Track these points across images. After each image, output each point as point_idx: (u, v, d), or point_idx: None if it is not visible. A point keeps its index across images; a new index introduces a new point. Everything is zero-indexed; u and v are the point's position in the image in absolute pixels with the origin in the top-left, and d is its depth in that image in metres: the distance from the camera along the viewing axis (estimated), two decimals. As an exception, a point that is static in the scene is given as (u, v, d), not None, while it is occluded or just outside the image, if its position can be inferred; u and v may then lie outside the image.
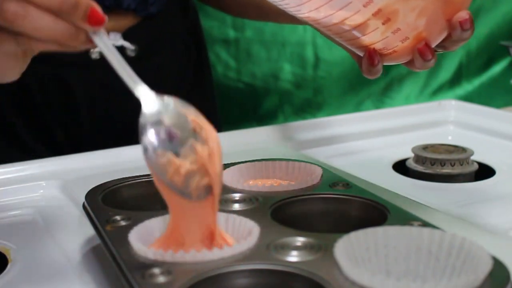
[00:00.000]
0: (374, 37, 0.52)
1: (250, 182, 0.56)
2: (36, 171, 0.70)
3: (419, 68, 0.54)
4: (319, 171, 0.56)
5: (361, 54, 0.55)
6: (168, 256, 0.41)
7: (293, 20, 0.75)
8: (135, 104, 0.87)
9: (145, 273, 0.39)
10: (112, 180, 0.56)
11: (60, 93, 0.82)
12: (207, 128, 0.44)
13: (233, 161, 0.59)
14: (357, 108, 1.21)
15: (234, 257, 0.41)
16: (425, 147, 0.74)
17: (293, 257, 0.41)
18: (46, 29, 0.43)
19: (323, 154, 0.78)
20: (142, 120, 0.44)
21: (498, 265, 0.39)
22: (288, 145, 0.81)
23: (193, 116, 0.44)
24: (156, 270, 0.39)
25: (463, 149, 0.73)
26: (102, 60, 0.80)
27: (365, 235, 0.42)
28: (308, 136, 0.83)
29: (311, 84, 1.17)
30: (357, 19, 0.50)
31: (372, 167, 0.75)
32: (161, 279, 0.39)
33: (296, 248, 0.42)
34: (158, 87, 0.89)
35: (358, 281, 0.38)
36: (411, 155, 0.74)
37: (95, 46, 0.45)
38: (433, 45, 0.53)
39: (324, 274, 0.39)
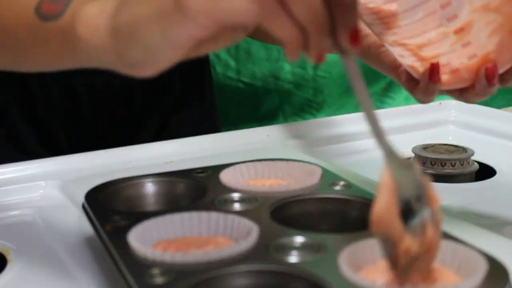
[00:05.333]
0: (441, 47, 0.49)
1: (250, 182, 0.56)
2: (36, 171, 0.70)
3: (478, 94, 0.50)
4: (319, 171, 0.56)
5: (416, 75, 0.52)
6: (168, 256, 0.41)
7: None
8: (138, 109, 0.88)
9: (144, 273, 0.39)
10: (112, 180, 0.56)
11: (63, 98, 0.82)
12: (437, 207, 0.38)
13: (233, 161, 0.59)
14: (357, 108, 1.21)
15: (233, 258, 0.41)
16: (426, 147, 0.74)
17: (293, 257, 0.41)
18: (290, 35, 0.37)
19: (323, 154, 0.78)
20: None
21: (497, 265, 0.39)
22: (288, 145, 0.80)
23: (430, 188, 0.38)
24: (155, 271, 0.39)
25: (463, 149, 0.73)
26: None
27: (367, 244, 0.42)
28: (308, 136, 0.83)
29: (311, 84, 1.17)
30: (431, 21, 0.47)
31: (372, 167, 0.75)
32: (160, 279, 0.39)
33: (296, 248, 0.42)
34: (159, 90, 0.90)
35: (357, 282, 0.38)
36: (412, 155, 0.74)
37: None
38: (500, 71, 0.49)
39: (323, 274, 0.39)
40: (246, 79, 1.18)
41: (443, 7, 0.47)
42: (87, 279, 0.49)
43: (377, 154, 0.79)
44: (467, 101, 0.52)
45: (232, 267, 0.40)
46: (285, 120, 1.18)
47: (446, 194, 0.66)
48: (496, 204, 0.64)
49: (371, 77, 1.20)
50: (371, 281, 0.38)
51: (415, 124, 0.89)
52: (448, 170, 0.70)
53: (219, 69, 1.17)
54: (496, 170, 0.73)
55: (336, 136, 0.84)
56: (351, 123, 0.87)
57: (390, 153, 0.40)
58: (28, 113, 0.82)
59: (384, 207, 0.37)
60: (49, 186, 0.67)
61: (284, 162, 0.58)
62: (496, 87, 0.50)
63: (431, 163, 0.71)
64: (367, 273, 0.40)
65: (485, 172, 0.73)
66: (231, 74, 1.18)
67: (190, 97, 0.92)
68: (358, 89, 0.39)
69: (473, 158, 0.73)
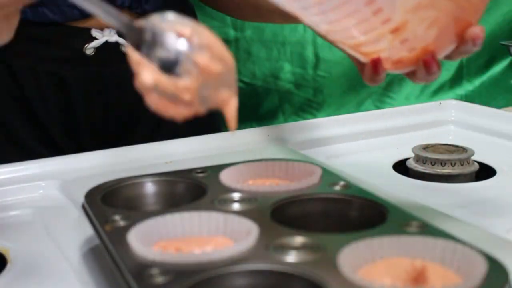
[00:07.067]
0: (379, 45, 0.50)
1: (250, 182, 0.56)
2: (36, 171, 0.70)
3: (421, 79, 0.53)
4: (319, 171, 0.56)
5: (363, 60, 0.54)
6: (167, 256, 0.41)
7: (290, 19, 0.75)
8: (132, 99, 0.87)
9: (144, 273, 0.39)
10: (111, 180, 0.56)
11: (56, 90, 0.82)
12: (200, 31, 0.40)
13: (233, 161, 0.59)
14: (357, 108, 1.21)
15: (233, 258, 0.41)
16: (426, 147, 0.74)
17: (292, 257, 0.41)
18: None
19: (323, 154, 0.78)
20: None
21: (497, 265, 0.38)
22: (288, 145, 0.80)
23: (176, 25, 0.40)
24: (155, 271, 0.39)
25: (463, 149, 0.73)
26: (97, 56, 0.81)
27: (366, 243, 0.42)
28: (308, 136, 0.83)
29: (311, 84, 1.17)
30: (365, 27, 0.48)
31: (372, 167, 0.75)
32: (160, 279, 0.39)
33: (295, 248, 0.42)
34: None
35: (357, 282, 0.38)
36: (412, 155, 0.74)
37: None
38: (440, 57, 0.51)
39: (323, 274, 0.39)
40: (246, 79, 1.18)
41: (375, 13, 0.47)
42: (87, 279, 0.49)
43: (377, 154, 0.80)
44: (415, 81, 0.55)
45: (232, 267, 0.40)
46: (285, 120, 1.18)
47: (446, 194, 0.67)
48: (496, 204, 0.64)
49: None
50: (370, 281, 0.38)
51: (415, 124, 0.89)
52: (448, 170, 0.70)
53: (219, 69, 1.17)
54: (496, 170, 0.73)
55: (336, 136, 0.84)
56: (351, 123, 0.87)
57: (124, 24, 0.42)
58: (21, 108, 0.82)
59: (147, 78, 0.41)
60: (49, 186, 0.67)
61: (284, 162, 0.58)
62: (438, 72, 0.52)
63: (431, 163, 0.71)
64: (366, 273, 0.40)
65: (485, 172, 0.73)
66: (231, 74, 1.18)
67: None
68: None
69: (473, 158, 0.73)
